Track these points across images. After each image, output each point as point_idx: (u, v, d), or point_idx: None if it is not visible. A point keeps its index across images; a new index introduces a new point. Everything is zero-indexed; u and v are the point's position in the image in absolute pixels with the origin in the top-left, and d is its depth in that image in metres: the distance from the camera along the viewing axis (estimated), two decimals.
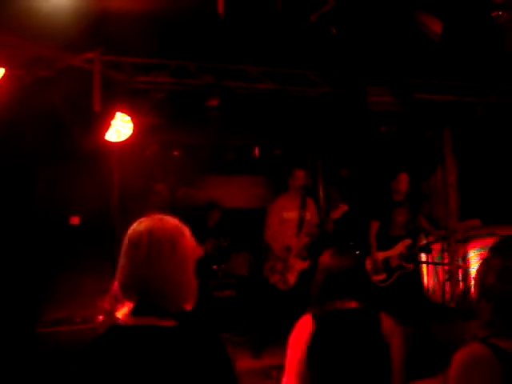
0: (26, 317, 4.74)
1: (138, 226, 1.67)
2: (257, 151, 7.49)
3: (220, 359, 1.57)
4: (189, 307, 1.68)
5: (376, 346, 2.32)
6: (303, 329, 2.37)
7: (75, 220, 5.10)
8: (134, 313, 1.62)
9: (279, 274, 5.54)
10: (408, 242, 5.70)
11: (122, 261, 1.65)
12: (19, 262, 4.82)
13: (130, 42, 4.50)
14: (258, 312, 6.00)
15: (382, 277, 5.65)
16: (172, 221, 1.70)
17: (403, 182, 5.83)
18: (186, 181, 7.73)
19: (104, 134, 4.71)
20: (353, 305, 2.43)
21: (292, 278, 5.55)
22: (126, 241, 1.66)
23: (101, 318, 4.80)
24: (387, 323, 2.39)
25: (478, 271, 1.68)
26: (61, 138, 4.94)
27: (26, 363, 4.49)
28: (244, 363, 5.42)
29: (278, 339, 5.99)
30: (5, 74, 4.13)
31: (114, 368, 1.54)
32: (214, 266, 6.88)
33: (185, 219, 1.76)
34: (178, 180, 7.43)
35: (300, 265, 5.60)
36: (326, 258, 2.53)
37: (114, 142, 4.83)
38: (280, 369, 5.45)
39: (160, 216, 1.70)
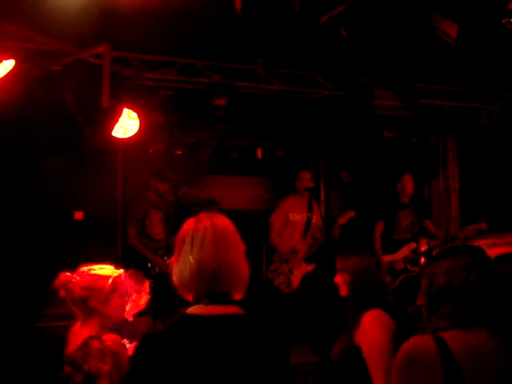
0: (26, 311, 4.71)
1: (198, 221, 1.76)
2: (259, 152, 7.46)
3: (283, 349, 1.73)
4: (240, 296, 1.79)
5: None
6: (387, 323, 2.48)
7: (79, 215, 5.07)
8: (203, 302, 1.68)
9: (284, 276, 5.53)
10: (413, 245, 5.69)
11: (184, 255, 1.72)
12: (21, 256, 4.78)
13: (138, 38, 4.51)
14: (258, 313, 5.96)
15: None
16: (223, 217, 1.82)
17: (408, 182, 5.85)
18: (188, 181, 7.70)
19: (111, 130, 4.69)
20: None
21: (296, 281, 5.54)
22: (186, 235, 1.75)
23: None
24: None
25: (427, 275, 1.78)
26: (67, 132, 4.92)
27: (27, 357, 4.46)
28: None
29: None
30: (14, 66, 4.11)
31: (194, 358, 1.57)
32: None
33: (185, 218, 1.83)
34: (179, 180, 7.40)
35: (305, 268, 5.59)
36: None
37: (119, 138, 4.81)
38: None
39: (213, 213, 1.81)
